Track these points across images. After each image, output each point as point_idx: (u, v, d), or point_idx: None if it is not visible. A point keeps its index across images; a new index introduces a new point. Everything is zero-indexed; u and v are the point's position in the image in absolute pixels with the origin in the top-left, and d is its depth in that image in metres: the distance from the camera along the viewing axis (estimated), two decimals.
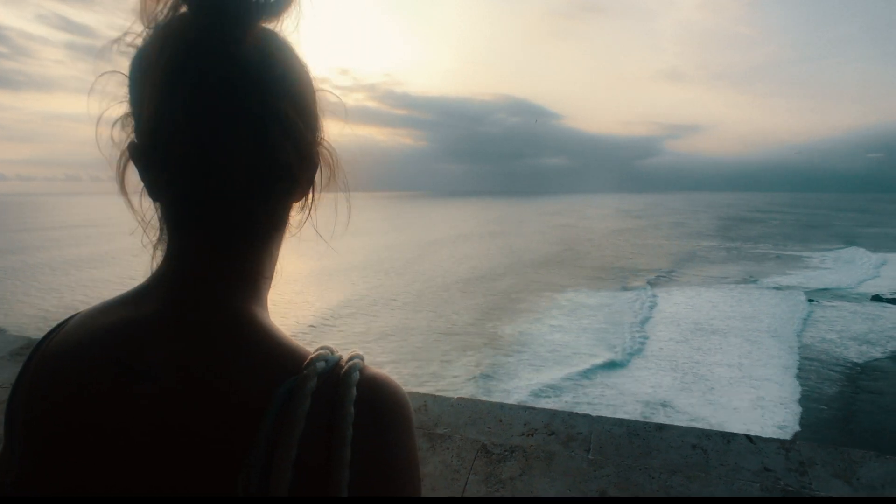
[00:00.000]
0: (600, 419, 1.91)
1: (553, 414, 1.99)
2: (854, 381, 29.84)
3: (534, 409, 2.04)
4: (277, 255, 0.64)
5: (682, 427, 1.87)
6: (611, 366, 31.70)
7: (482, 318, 42.93)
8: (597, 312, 44.47)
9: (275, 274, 0.64)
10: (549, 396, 26.65)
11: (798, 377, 29.83)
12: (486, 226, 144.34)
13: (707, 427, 1.93)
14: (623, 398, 26.88)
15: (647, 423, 1.90)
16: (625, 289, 55.04)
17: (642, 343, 35.58)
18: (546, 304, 48.76)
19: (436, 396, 2.21)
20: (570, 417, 1.95)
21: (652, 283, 57.50)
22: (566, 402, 25.97)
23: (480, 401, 2.12)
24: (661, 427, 1.87)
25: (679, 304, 47.78)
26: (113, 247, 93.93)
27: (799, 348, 35.16)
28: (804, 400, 26.85)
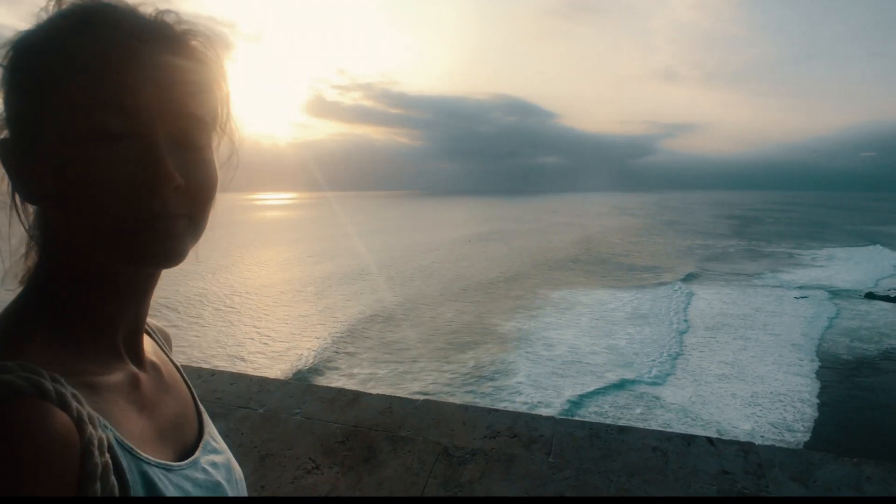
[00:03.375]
0: (564, 421, 1.90)
1: (517, 416, 1.98)
2: (850, 378, 30.03)
3: (498, 411, 2.02)
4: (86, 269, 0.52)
5: (643, 429, 1.86)
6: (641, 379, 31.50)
7: (508, 317, 42.89)
8: (600, 311, 44.58)
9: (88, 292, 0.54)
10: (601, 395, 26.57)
11: (796, 374, 29.99)
12: (488, 225, 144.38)
13: (670, 430, 1.92)
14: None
15: (609, 425, 1.89)
16: (637, 288, 55.13)
17: (676, 352, 34.81)
18: (570, 303, 48.81)
19: (402, 399, 2.20)
20: (534, 420, 1.94)
21: (659, 283, 57.62)
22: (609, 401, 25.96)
23: (445, 403, 2.10)
24: (623, 429, 1.85)
25: (666, 301, 47.89)
26: None
27: (794, 345, 35.34)
28: (801, 395, 26.98)
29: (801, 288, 54.05)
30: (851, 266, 68.80)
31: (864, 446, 22.37)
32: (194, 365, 2.70)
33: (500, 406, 25.12)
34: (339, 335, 37.83)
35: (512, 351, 33.98)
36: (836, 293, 51.31)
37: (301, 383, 2.33)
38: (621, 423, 20.41)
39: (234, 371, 2.56)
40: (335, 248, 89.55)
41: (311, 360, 32.19)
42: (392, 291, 53.25)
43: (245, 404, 2.23)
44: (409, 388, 27.89)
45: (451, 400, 25.89)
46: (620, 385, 28.04)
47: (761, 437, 22.60)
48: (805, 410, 25.47)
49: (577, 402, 25.64)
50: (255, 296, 51.19)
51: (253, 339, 37.41)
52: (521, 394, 27.05)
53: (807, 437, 22.58)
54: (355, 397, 2.21)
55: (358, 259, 75.89)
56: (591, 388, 27.56)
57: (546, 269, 66.79)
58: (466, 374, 30.02)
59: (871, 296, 50.16)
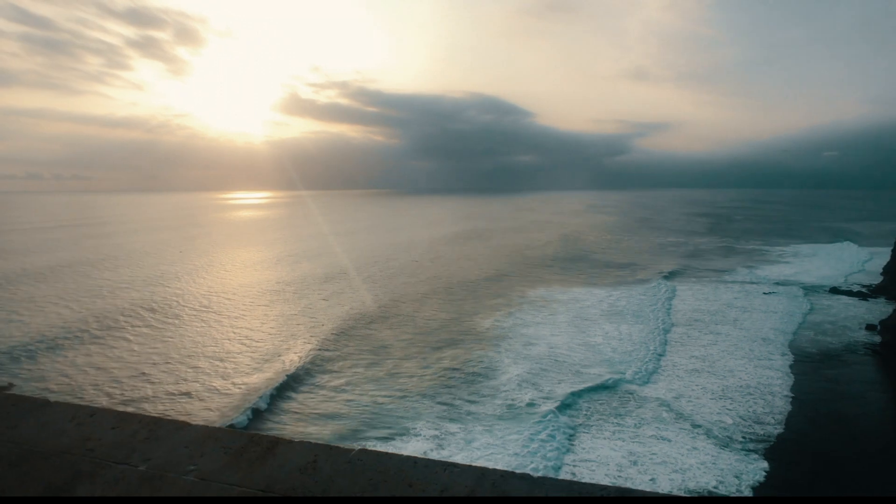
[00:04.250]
0: (542, 482, 1.40)
1: (481, 474, 1.47)
2: (817, 370, 30.72)
3: (456, 466, 1.51)
4: None
5: (651, 495, 1.38)
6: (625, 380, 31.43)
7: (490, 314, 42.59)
8: (576, 309, 44.68)
9: None
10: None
11: (766, 367, 30.48)
12: (466, 223, 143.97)
13: (686, 493, 1.48)
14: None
15: (604, 487, 1.40)
16: (612, 286, 55.54)
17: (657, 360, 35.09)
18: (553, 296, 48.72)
19: (330, 448, 1.67)
20: (503, 480, 1.43)
21: (635, 281, 58.26)
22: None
23: (387, 455, 1.58)
24: (623, 494, 1.37)
25: (642, 297, 48.41)
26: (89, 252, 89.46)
27: (764, 339, 36.04)
28: (772, 388, 27.41)
29: (770, 283, 55.45)
30: (819, 262, 71.03)
31: (830, 436, 22.83)
32: (73, 401, 2.10)
33: (479, 411, 24.72)
34: (318, 335, 36.87)
35: (491, 350, 33.67)
36: (803, 288, 52.82)
37: (203, 427, 1.78)
38: (610, 475, 19.79)
39: (122, 410, 1.99)
40: (312, 248, 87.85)
41: (293, 362, 31.20)
42: (370, 291, 52.38)
43: (125, 458, 1.67)
44: (391, 386, 27.24)
45: (428, 402, 25.37)
46: (598, 381, 27.99)
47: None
48: (776, 403, 25.86)
49: (557, 400, 25.43)
50: (233, 296, 49.60)
51: (230, 339, 36.15)
52: (500, 391, 26.74)
53: (778, 430, 22.90)
54: (271, 447, 1.66)
55: (335, 259, 74.56)
56: (569, 386, 27.42)
57: (525, 268, 66.86)
58: (445, 374, 29.54)
59: (835, 290, 51.81)
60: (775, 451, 21.13)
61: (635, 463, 19.92)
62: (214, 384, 28.13)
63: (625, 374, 29.33)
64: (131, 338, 36.80)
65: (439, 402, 25.71)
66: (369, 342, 35.86)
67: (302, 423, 24.11)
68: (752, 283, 56.17)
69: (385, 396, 26.62)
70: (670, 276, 59.76)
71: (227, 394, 26.94)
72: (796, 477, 19.38)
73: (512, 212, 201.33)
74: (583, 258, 75.27)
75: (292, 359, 31.86)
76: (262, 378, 28.89)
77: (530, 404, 25.23)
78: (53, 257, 74.06)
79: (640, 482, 18.14)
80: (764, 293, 50.28)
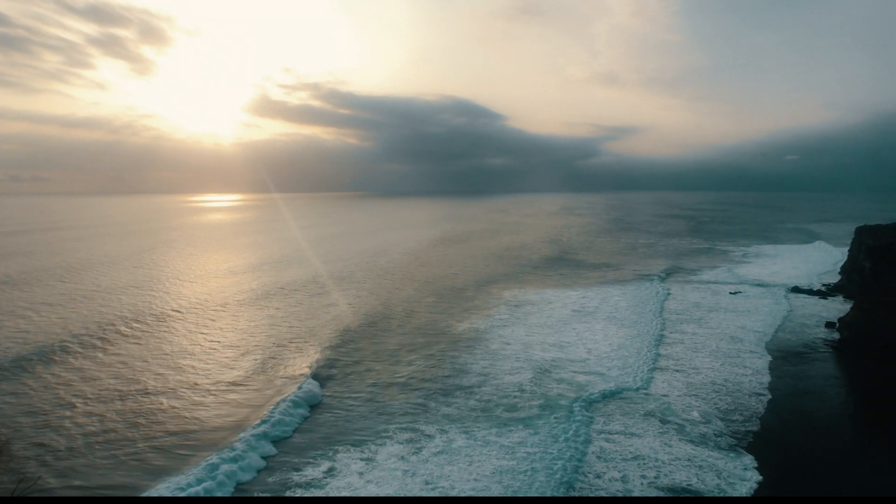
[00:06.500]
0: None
1: None
2: (779, 367, 31.75)
3: None
4: None
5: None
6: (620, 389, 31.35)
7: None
8: (548, 310, 45.06)
9: None
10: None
11: (732, 364, 31.28)
12: (443, 226, 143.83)
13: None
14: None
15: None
16: (584, 287, 56.17)
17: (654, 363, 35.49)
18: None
19: None
20: None
21: (606, 281, 59.21)
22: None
23: None
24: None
25: (621, 296, 49.18)
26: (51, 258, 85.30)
27: (732, 337, 37.06)
28: (739, 385, 28.11)
29: (738, 283, 57.22)
30: (791, 262, 73.48)
31: (794, 431, 23.57)
32: None
33: (456, 413, 24.50)
34: (296, 342, 36.18)
35: (467, 352, 33.66)
36: (770, 287, 54.70)
37: None
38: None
39: None
40: (287, 254, 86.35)
41: (276, 367, 30.48)
42: (346, 295, 51.78)
43: None
44: (366, 390, 26.90)
45: (407, 405, 25.05)
46: (574, 380, 28.25)
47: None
48: (741, 401, 26.53)
49: (535, 399, 25.57)
50: (210, 303, 48.18)
51: (208, 341, 35.11)
52: (476, 392, 26.71)
53: (746, 427, 23.49)
54: None
55: (311, 264, 73.46)
56: (546, 386, 27.61)
57: (503, 270, 67.27)
58: (427, 378, 29.34)
59: (796, 290, 53.83)
60: (747, 446, 21.59)
61: (602, 458, 20.12)
62: (192, 387, 27.21)
63: (601, 373, 29.68)
64: (114, 346, 35.38)
65: (417, 405, 25.51)
66: (346, 346, 35.38)
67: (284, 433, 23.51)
68: (722, 283, 57.90)
69: (361, 400, 26.28)
70: (644, 277, 61.06)
71: (206, 398, 26.09)
72: (768, 472, 19.76)
73: (487, 214, 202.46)
74: (559, 259, 76.21)
75: (274, 364, 31.22)
76: (244, 385, 28.12)
77: (508, 407, 25.26)
78: (23, 263, 70.69)
79: (610, 479, 18.32)
80: (731, 293, 51.85)
